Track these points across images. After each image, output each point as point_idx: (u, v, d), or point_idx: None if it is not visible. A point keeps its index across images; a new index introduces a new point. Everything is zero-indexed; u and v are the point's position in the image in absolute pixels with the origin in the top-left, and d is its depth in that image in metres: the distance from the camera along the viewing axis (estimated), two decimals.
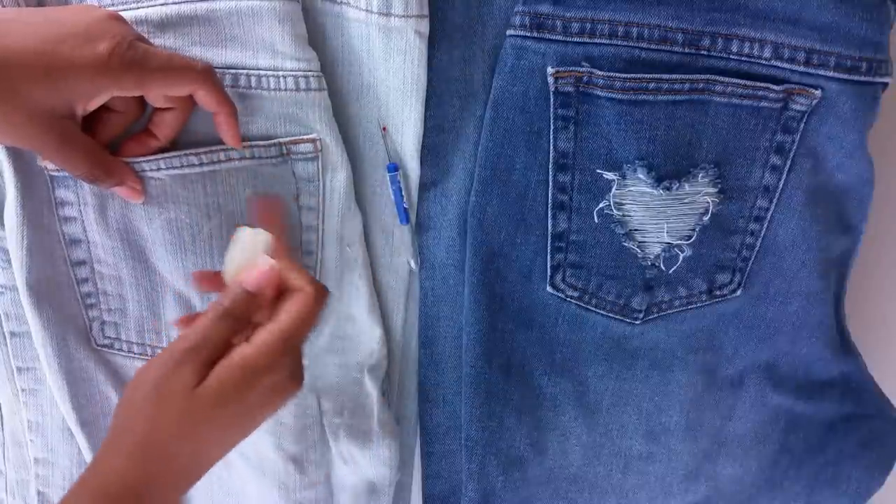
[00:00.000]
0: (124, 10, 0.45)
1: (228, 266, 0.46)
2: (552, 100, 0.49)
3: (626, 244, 0.53)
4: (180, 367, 0.39)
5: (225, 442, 0.42)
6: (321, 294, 0.43)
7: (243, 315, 0.42)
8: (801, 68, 0.47)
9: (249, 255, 0.44)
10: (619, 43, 0.47)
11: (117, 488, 0.38)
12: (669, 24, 0.46)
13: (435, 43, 0.48)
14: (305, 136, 0.49)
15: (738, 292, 0.55)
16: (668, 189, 0.51)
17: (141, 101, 0.45)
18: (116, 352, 0.56)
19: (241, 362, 0.40)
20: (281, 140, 0.48)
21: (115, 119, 0.45)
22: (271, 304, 0.43)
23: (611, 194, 0.51)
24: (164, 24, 0.45)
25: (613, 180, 0.51)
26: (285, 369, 0.41)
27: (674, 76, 0.47)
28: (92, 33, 0.39)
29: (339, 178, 0.51)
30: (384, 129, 0.49)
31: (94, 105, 0.41)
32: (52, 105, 0.39)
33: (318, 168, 0.50)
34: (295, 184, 0.50)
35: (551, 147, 0.50)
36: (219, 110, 0.45)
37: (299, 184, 0.50)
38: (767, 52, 0.47)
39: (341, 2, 0.47)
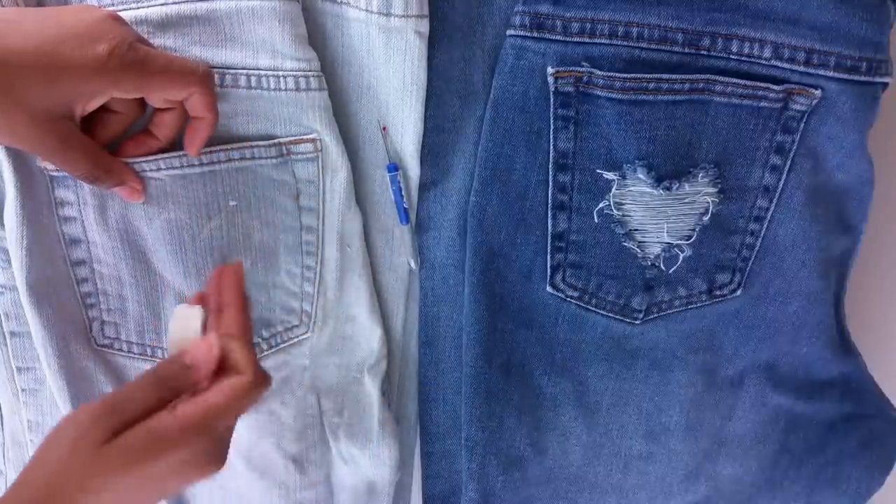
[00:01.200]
0: (124, 9, 0.45)
1: (169, 342, 0.45)
2: (552, 100, 0.49)
3: (626, 244, 0.53)
4: (95, 423, 0.38)
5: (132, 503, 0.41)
6: (260, 382, 0.42)
7: (174, 385, 0.41)
8: (801, 68, 0.47)
9: (183, 332, 0.44)
10: (619, 43, 0.47)
11: None
12: (669, 24, 0.46)
13: (435, 43, 0.48)
14: (305, 137, 0.49)
15: (738, 292, 0.55)
16: (668, 189, 0.51)
17: (141, 101, 0.45)
18: (116, 352, 0.56)
19: (153, 429, 0.39)
20: (281, 140, 0.48)
21: (114, 120, 0.45)
22: (211, 380, 0.42)
23: (611, 194, 0.51)
24: (164, 24, 0.45)
25: (613, 180, 0.51)
26: (200, 446, 0.40)
27: (674, 76, 0.47)
28: (92, 34, 0.39)
29: (339, 179, 0.51)
30: (384, 128, 0.49)
31: (92, 106, 0.41)
32: (52, 105, 0.39)
33: (319, 168, 0.50)
34: (295, 184, 0.50)
35: (551, 147, 0.50)
36: (205, 116, 0.45)
37: (299, 184, 0.50)
38: (767, 52, 0.47)
39: (341, 2, 0.47)
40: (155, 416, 0.39)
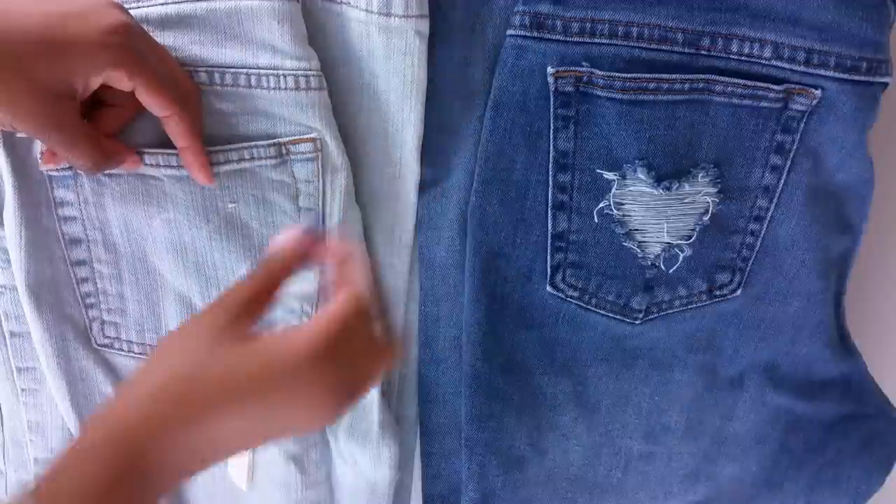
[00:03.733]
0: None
1: None
2: (552, 100, 0.49)
3: (626, 244, 0.53)
4: (240, 318, 0.36)
5: (239, 436, 0.35)
6: (358, 301, 0.38)
7: (281, 275, 0.39)
8: (801, 68, 0.47)
9: None
10: (619, 43, 0.47)
11: (127, 429, 0.33)
12: (669, 24, 0.46)
13: (435, 43, 0.48)
14: (305, 136, 0.49)
15: (738, 292, 0.55)
16: (668, 189, 0.51)
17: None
18: (116, 351, 0.56)
19: (288, 350, 0.35)
20: (281, 140, 0.48)
21: (112, 115, 0.45)
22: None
23: (611, 194, 0.51)
24: (164, 24, 0.45)
25: (613, 180, 0.51)
26: (330, 372, 0.36)
27: (674, 76, 0.47)
28: (96, 11, 0.39)
29: (338, 178, 0.51)
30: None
31: (92, 85, 0.41)
32: (54, 81, 0.39)
33: (318, 168, 0.50)
34: (294, 185, 0.50)
35: (551, 147, 0.50)
36: (185, 145, 0.45)
37: (298, 184, 0.50)
38: (767, 52, 0.47)
39: (342, 2, 0.47)
40: (284, 339, 0.36)
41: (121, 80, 0.41)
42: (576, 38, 0.47)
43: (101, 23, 0.39)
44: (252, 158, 0.48)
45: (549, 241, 0.53)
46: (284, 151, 0.49)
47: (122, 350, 0.55)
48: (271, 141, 0.48)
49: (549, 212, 0.52)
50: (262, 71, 0.46)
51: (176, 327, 0.37)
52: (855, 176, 0.52)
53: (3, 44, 0.37)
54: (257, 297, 0.38)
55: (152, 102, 0.43)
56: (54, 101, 0.40)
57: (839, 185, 0.52)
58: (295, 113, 0.48)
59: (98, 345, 0.55)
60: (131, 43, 0.40)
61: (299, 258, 0.41)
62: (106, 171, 0.47)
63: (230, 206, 0.49)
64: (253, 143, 0.48)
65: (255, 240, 0.51)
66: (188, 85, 0.45)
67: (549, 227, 0.52)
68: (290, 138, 0.48)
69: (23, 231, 0.49)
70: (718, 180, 0.51)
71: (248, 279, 0.39)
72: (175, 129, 0.44)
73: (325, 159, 0.50)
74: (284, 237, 0.41)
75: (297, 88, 0.47)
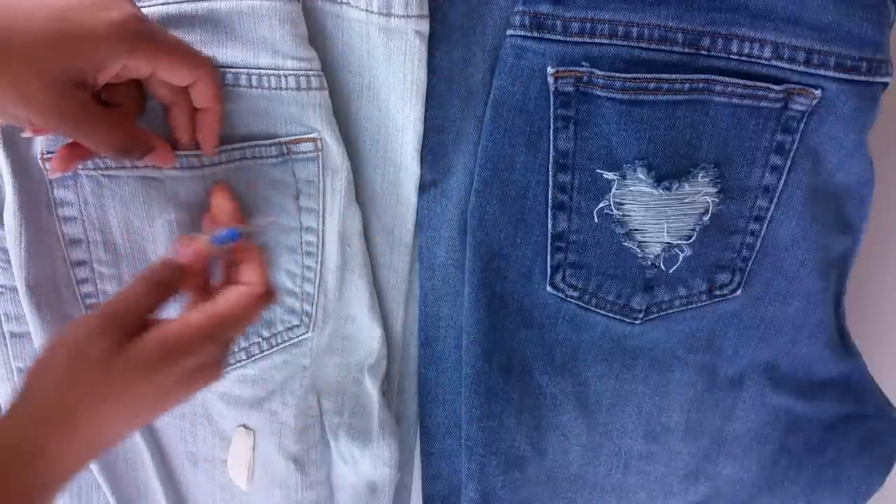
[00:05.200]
0: None
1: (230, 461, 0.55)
2: (552, 100, 0.49)
3: (626, 244, 0.53)
4: (101, 335, 0.38)
5: (133, 419, 0.41)
6: (268, 294, 0.43)
7: (169, 286, 0.41)
8: (801, 68, 0.47)
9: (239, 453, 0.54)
10: (619, 43, 0.47)
11: (9, 449, 0.37)
12: (669, 24, 0.46)
13: (435, 43, 0.48)
14: (306, 136, 0.49)
15: (738, 292, 0.55)
16: (668, 189, 0.51)
17: (141, 97, 0.45)
18: None
19: (163, 338, 0.39)
20: (282, 140, 0.48)
21: (115, 115, 0.45)
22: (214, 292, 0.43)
23: (611, 194, 0.51)
24: (165, 23, 0.45)
25: (613, 180, 0.51)
26: (208, 355, 0.40)
27: (674, 76, 0.47)
28: (104, 3, 0.39)
29: (339, 178, 0.51)
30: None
31: (103, 77, 0.40)
32: (66, 72, 0.39)
33: (319, 168, 0.50)
34: (295, 184, 0.50)
35: (551, 147, 0.50)
36: (212, 107, 0.45)
37: (299, 184, 0.50)
38: (767, 52, 0.47)
39: (342, 2, 0.47)
40: (163, 324, 0.40)
41: (139, 66, 0.41)
42: (576, 38, 0.47)
43: (112, 13, 0.39)
44: (254, 157, 0.48)
45: (549, 241, 0.53)
46: (285, 151, 0.49)
47: None
48: (272, 140, 0.48)
49: (549, 212, 0.52)
50: (263, 71, 0.46)
51: (41, 347, 0.39)
52: (855, 176, 0.52)
53: (12, 39, 0.37)
54: (134, 310, 0.40)
55: (178, 73, 0.42)
56: (69, 91, 0.39)
57: (839, 185, 0.52)
58: (296, 113, 0.48)
59: None
60: (142, 28, 0.40)
61: (190, 273, 0.43)
62: (139, 161, 0.46)
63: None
64: (254, 143, 0.48)
65: (255, 240, 0.51)
66: (200, 53, 0.45)
67: (549, 227, 0.52)
68: (292, 138, 0.48)
69: (23, 231, 0.49)
70: (718, 180, 0.51)
71: (125, 293, 0.40)
72: (203, 92, 0.44)
73: (326, 159, 0.50)
74: (182, 250, 0.42)
75: (299, 88, 0.47)
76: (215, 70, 0.45)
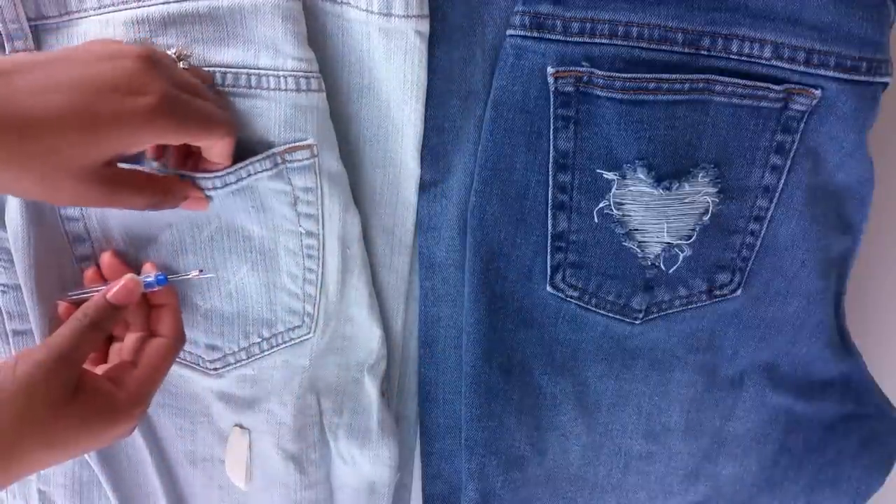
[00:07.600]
0: (126, 9, 0.45)
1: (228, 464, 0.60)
2: (552, 100, 0.49)
3: (626, 244, 0.53)
4: (53, 378, 0.40)
5: (55, 460, 0.42)
6: (179, 342, 0.49)
7: (106, 327, 0.44)
8: (801, 68, 0.47)
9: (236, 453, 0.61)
10: (619, 43, 0.47)
11: None
12: (669, 24, 0.46)
13: (435, 43, 0.48)
14: (300, 143, 0.47)
15: (738, 292, 0.55)
16: (668, 189, 0.51)
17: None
18: None
19: (112, 402, 0.43)
20: (275, 150, 0.47)
21: None
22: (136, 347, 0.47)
23: (611, 194, 0.51)
24: (166, 23, 0.45)
25: (613, 180, 0.51)
26: (138, 415, 0.45)
27: (674, 76, 0.47)
28: (132, 86, 0.38)
29: (336, 183, 0.50)
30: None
31: (132, 152, 0.40)
32: (93, 160, 0.38)
33: (316, 174, 0.49)
34: (292, 192, 0.49)
35: (551, 147, 0.50)
36: (220, 163, 0.46)
37: (296, 192, 0.49)
38: (767, 52, 0.47)
39: (342, 2, 0.47)
40: (100, 381, 0.43)
41: (169, 141, 0.41)
42: (576, 38, 0.47)
43: (142, 100, 0.38)
44: (249, 175, 0.48)
45: (549, 241, 0.53)
46: (280, 161, 0.48)
47: None
48: (266, 154, 0.47)
49: (549, 212, 0.52)
50: (263, 71, 0.46)
51: None
52: (855, 176, 0.52)
53: (37, 129, 0.35)
54: (80, 353, 0.42)
55: (201, 141, 0.43)
56: (95, 175, 0.39)
57: (839, 185, 0.52)
58: (293, 116, 0.47)
59: None
60: (173, 108, 0.39)
61: (124, 311, 0.46)
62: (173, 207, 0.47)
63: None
64: (248, 161, 0.47)
65: (255, 242, 0.51)
66: (220, 101, 0.45)
67: (549, 227, 0.52)
68: (285, 146, 0.47)
69: (30, 230, 0.49)
70: (718, 180, 0.51)
71: (68, 334, 0.42)
72: (218, 151, 0.45)
73: (322, 164, 0.49)
74: (115, 290, 0.45)
75: (298, 90, 0.47)
76: (233, 129, 0.45)
